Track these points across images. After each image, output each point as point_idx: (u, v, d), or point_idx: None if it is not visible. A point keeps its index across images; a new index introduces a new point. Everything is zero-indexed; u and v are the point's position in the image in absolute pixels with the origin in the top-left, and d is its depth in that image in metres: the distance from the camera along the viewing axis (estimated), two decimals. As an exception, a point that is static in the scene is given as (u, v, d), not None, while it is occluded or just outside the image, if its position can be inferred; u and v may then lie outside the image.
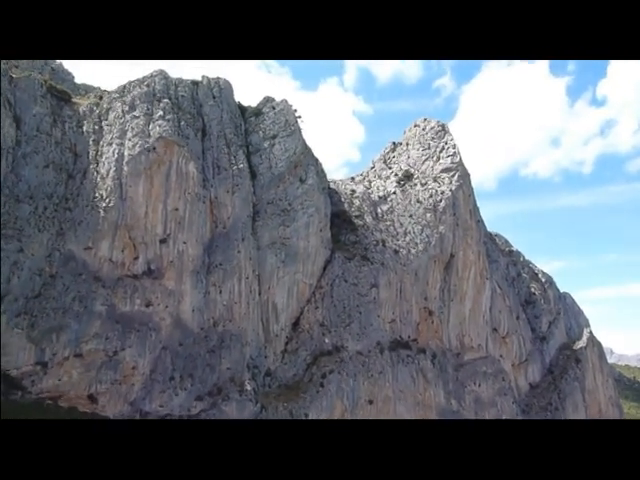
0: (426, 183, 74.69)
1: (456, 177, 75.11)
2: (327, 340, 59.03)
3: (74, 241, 47.64)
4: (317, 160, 68.53)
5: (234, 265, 54.80)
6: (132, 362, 46.08)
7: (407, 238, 70.02)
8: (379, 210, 72.99)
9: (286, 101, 67.96)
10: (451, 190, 73.73)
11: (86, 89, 69.21)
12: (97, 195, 50.13)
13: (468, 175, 78.02)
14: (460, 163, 76.44)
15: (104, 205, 49.60)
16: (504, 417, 70.73)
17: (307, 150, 66.53)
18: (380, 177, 78.45)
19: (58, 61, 79.55)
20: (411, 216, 71.79)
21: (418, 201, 72.99)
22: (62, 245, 47.07)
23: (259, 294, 56.88)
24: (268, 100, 68.28)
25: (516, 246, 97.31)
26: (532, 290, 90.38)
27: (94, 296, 46.19)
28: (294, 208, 61.32)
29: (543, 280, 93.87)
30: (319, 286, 61.70)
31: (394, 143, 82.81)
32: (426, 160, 77.36)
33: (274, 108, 67.16)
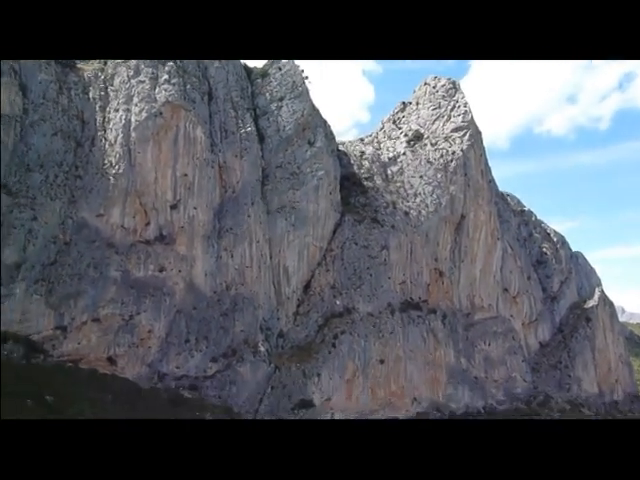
0: (436, 143, 73.54)
1: (467, 136, 73.80)
2: (338, 302, 59.82)
3: (86, 208, 48.12)
4: (325, 122, 67.59)
5: (244, 229, 55.16)
6: (148, 326, 47.28)
7: (417, 199, 69.60)
8: (389, 171, 72.34)
9: (293, 62, 66.53)
10: (462, 150, 72.60)
11: (90, 54, 68.20)
12: (106, 162, 50.24)
13: (479, 134, 76.60)
14: (471, 122, 74.93)
15: (113, 172, 49.76)
16: (514, 375, 71.89)
17: (315, 112, 65.54)
18: (390, 138, 77.34)
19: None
20: (421, 177, 71.11)
21: (428, 161, 72.08)
22: (74, 213, 47.58)
23: (270, 258, 57.43)
24: (274, 61, 66.88)
25: (529, 206, 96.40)
26: (544, 250, 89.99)
27: (108, 262, 47.01)
28: (303, 171, 61.01)
29: (555, 240, 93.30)
30: (329, 249, 62.04)
31: (403, 103, 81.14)
32: (436, 119, 75.89)
33: (280, 69, 65.85)
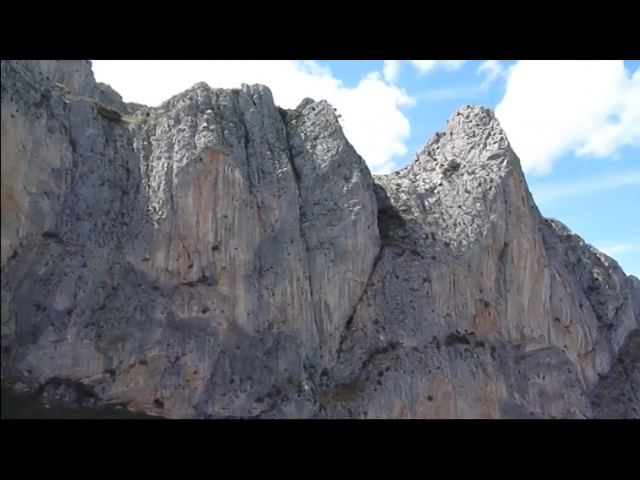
0: (473, 172, 72.79)
1: (505, 163, 72.73)
2: (382, 337, 58.70)
3: (132, 253, 49.83)
4: (360, 157, 68.29)
5: (285, 267, 55.54)
6: (193, 367, 47.64)
7: (457, 229, 68.50)
8: (426, 203, 71.82)
9: (325, 101, 68.17)
10: (500, 177, 71.47)
11: (133, 107, 72.19)
12: (150, 208, 52.21)
13: (518, 160, 75.36)
14: (508, 148, 73.97)
15: (157, 217, 51.59)
16: (572, 410, 67.77)
17: (350, 148, 66.43)
18: (425, 169, 77.19)
19: (107, 83, 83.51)
20: (460, 207, 70.18)
21: (466, 191, 71.23)
22: (121, 258, 49.34)
23: (311, 294, 57.35)
24: (307, 102, 68.73)
25: (575, 231, 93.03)
26: (595, 275, 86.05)
27: (154, 305, 48.13)
28: (340, 207, 61.40)
29: (606, 264, 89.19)
30: (370, 283, 61.46)
31: (437, 134, 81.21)
32: (472, 148, 75.38)
33: (314, 109, 67.52)
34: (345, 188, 62.65)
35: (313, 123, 66.17)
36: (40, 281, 45.08)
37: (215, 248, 52.90)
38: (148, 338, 46.68)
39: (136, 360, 45.66)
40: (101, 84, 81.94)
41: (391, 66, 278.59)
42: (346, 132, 67.08)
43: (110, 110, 59.25)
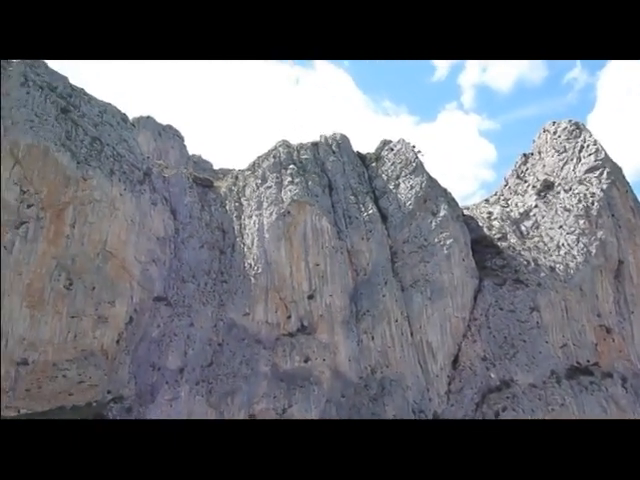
0: (570, 189, 68.21)
1: (605, 175, 67.47)
2: (493, 375, 55.02)
3: (233, 309, 51.99)
4: (445, 190, 66.97)
5: (381, 309, 54.74)
6: (300, 418, 47.52)
7: (562, 251, 63.81)
8: (523, 227, 68.10)
9: (403, 140, 68.45)
10: (602, 190, 66.21)
11: (223, 172, 77.33)
12: (246, 264, 54.59)
13: (619, 169, 69.62)
14: (606, 159, 68.75)
15: (254, 272, 53.72)
16: None
17: (433, 183, 65.51)
18: (516, 193, 73.71)
19: (198, 153, 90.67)
20: (561, 227, 65.61)
21: (566, 209, 66.66)
22: (224, 314, 51.63)
23: (411, 335, 55.68)
24: (385, 143, 69.46)
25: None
26: None
27: (257, 358, 49.33)
28: (431, 242, 60.03)
29: None
30: (473, 318, 58.52)
31: (524, 155, 77.74)
32: (565, 164, 71.03)
33: (392, 149, 67.97)
34: (434, 223, 61.36)
35: (393, 163, 66.45)
36: (154, 342, 48.19)
37: (310, 297, 53.64)
38: (255, 391, 47.62)
39: (245, 414, 46.56)
40: (193, 155, 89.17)
41: (468, 93, 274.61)
42: (429, 167, 66.60)
43: (203, 177, 63.97)
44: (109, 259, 46.58)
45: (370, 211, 60.55)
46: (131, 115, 66.31)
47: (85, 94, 52.19)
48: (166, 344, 48.33)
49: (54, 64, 52.07)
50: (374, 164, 67.60)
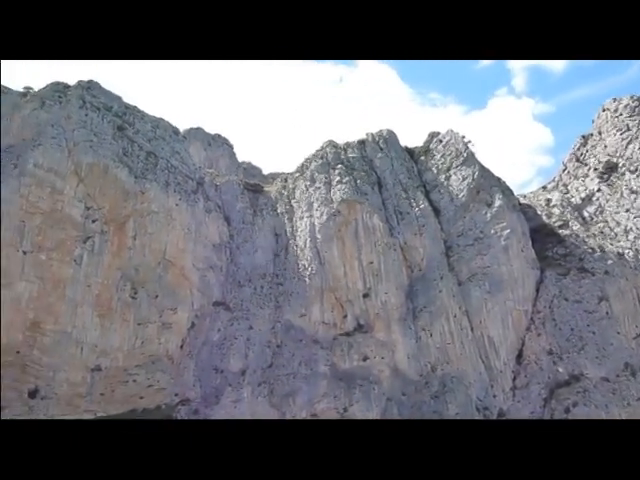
0: (637, 169, 64.18)
1: (676, 152, 63.06)
2: (561, 369, 52.71)
3: (289, 311, 52.71)
4: (499, 179, 64.84)
5: (438, 305, 53.76)
6: (362, 417, 47.46)
7: (630, 236, 60.20)
8: (585, 213, 64.79)
9: (452, 130, 66.86)
10: (673, 168, 61.92)
11: (273, 177, 78.55)
12: (300, 266, 55.18)
13: (692, 145, 64.83)
14: (676, 135, 64.21)
15: (308, 273, 54.22)
16: None
17: (486, 172, 63.57)
18: (576, 177, 70.19)
19: (247, 160, 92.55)
20: (628, 210, 61.87)
21: (632, 191, 62.78)
22: (281, 316, 52.46)
23: (471, 330, 54.30)
24: (433, 135, 68.10)
25: None
26: None
27: (316, 358, 49.75)
28: (487, 234, 58.28)
29: None
30: (536, 311, 56.32)
31: (583, 136, 73.87)
32: (629, 143, 66.88)
33: (441, 141, 66.54)
34: (489, 214, 59.54)
35: (443, 155, 65.05)
36: (215, 346, 49.68)
37: (366, 295, 53.48)
38: (315, 391, 48.02)
39: (307, 414, 47.04)
40: (243, 162, 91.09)
41: (520, 77, 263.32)
42: (481, 156, 64.69)
43: (253, 183, 65.28)
44: (169, 268, 48.44)
45: (422, 206, 59.58)
46: (182, 127, 68.68)
47: (138, 111, 54.51)
48: (227, 347, 49.68)
49: (108, 85, 54.81)
50: (423, 157, 66.44)
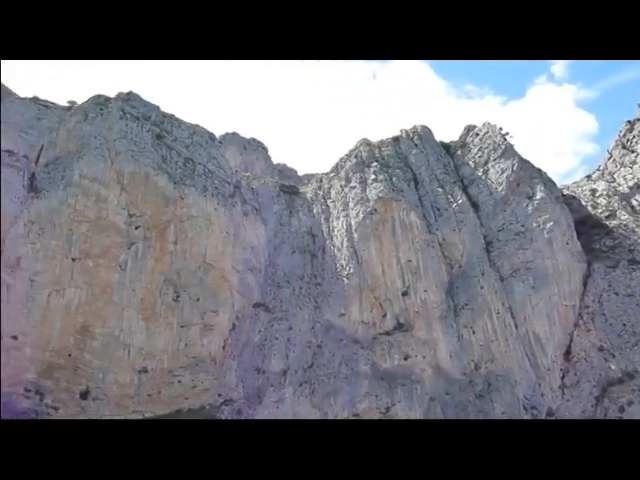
0: (690, 154, 60.97)
1: None
2: (613, 366, 50.58)
3: (329, 311, 52.74)
4: (540, 171, 62.90)
5: (480, 302, 52.59)
6: (405, 417, 46.96)
7: (684, 225, 57.22)
8: (634, 202, 61.99)
9: (488, 123, 65.38)
10: None
11: (308, 178, 78.88)
12: (338, 266, 55.15)
13: None
14: None
15: (345, 273, 54.12)
16: None
17: (526, 164, 61.81)
18: (623, 165, 67.25)
19: (282, 162, 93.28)
20: (681, 198, 58.87)
21: (685, 178, 59.69)
22: (320, 317, 52.56)
23: (516, 327, 52.83)
24: (469, 129, 66.79)
25: None
26: None
27: (357, 357, 49.57)
28: (529, 228, 56.62)
29: None
30: (584, 306, 54.25)
31: (629, 122, 70.72)
32: (680, 128, 63.62)
33: (477, 134, 65.16)
34: (530, 207, 57.83)
35: (480, 148, 63.66)
36: (257, 347, 50.29)
37: (405, 294, 52.91)
38: (357, 391, 47.85)
39: (349, 413, 46.93)
40: (278, 164, 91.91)
41: (559, 62, 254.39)
42: (521, 147, 63.42)
43: (289, 185, 65.71)
44: (209, 271, 49.39)
45: (459, 201, 58.47)
46: (217, 133, 69.94)
47: (175, 119, 55.90)
48: (268, 348, 50.21)
49: (146, 95, 56.42)
50: (459, 152, 65.24)
